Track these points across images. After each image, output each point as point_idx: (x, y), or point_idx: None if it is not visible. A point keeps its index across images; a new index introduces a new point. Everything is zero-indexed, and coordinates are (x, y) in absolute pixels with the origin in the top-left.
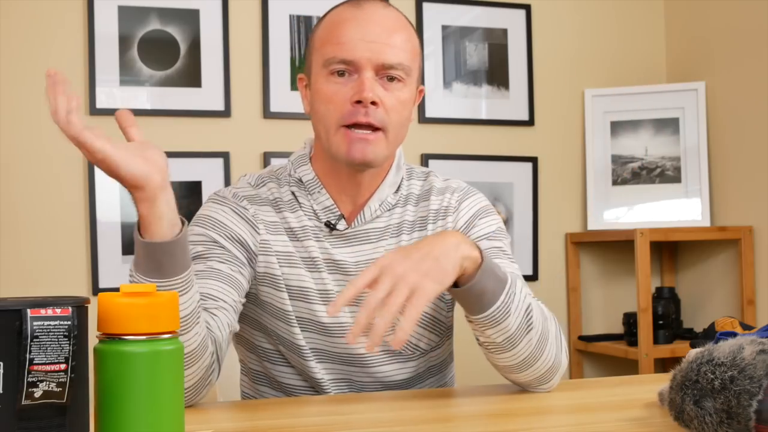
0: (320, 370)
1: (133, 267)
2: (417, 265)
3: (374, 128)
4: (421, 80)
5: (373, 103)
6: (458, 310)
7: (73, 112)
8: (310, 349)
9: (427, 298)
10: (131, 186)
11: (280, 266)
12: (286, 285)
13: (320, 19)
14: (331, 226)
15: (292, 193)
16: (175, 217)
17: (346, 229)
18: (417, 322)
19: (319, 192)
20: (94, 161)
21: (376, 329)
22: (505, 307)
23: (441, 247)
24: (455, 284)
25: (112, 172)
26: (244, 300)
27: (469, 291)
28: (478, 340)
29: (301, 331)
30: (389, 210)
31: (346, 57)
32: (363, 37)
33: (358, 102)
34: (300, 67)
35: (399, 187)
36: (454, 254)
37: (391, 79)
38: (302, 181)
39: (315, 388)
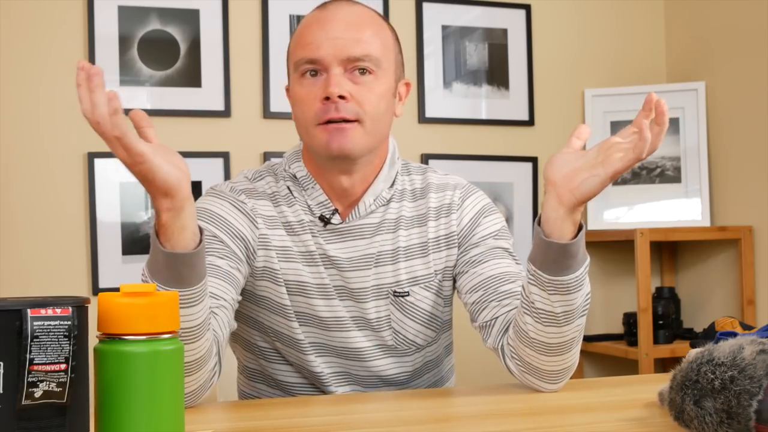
0: (320, 364)
1: (148, 274)
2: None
3: (349, 121)
4: (402, 74)
5: (342, 97)
6: (457, 308)
7: (118, 112)
8: (309, 343)
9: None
10: (162, 193)
11: (279, 261)
12: (284, 280)
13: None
14: (325, 221)
15: (288, 188)
16: (196, 227)
17: (341, 223)
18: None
19: (313, 187)
20: (130, 164)
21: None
22: (581, 280)
23: None
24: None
25: (146, 178)
26: (240, 298)
27: (566, 248)
28: (533, 308)
29: (300, 325)
30: (384, 205)
31: (311, 56)
32: (326, 35)
33: (327, 99)
34: None
35: (394, 182)
36: None
37: (363, 72)
38: (296, 177)
39: (314, 383)
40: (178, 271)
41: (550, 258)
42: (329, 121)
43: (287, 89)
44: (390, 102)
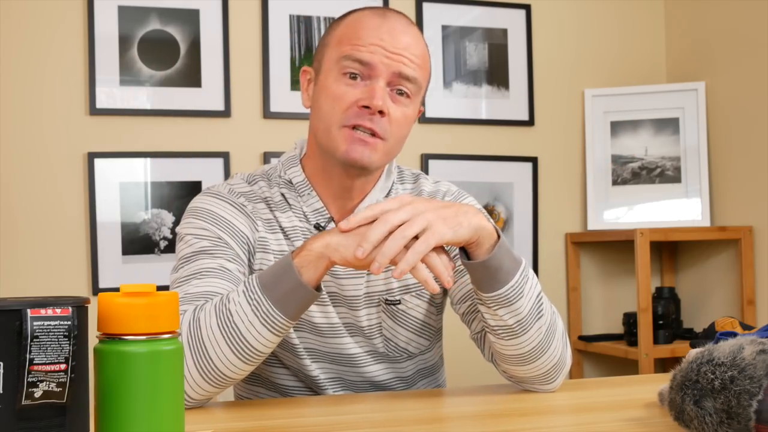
0: (315, 369)
1: (258, 286)
2: (437, 209)
3: (375, 135)
4: (424, 99)
5: (381, 112)
6: (447, 315)
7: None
8: (304, 348)
9: (437, 238)
10: (354, 267)
11: None
12: None
13: (341, 18)
14: (320, 229)
15: (282, 194)
16: None
17: None
18: (417, 264)
19: (308, 194)
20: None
21: (385, 249)
22: (519, 287)
23: (462, 207)
24: (469, 257)
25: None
26: None
27: (485, 265)
28: (488, 326)
29: (295, 330)
30: None
31: (364, 59)
32: (385, 45)
33: (365, 107)
34: (301, 65)
35: (389, 192)
36: (473, 218)
37: (401, 93)
38: (292, 183)
39: (311, 387)
40: (298, 303)
41: (478, 277)
42: (357, 126)
43: (305, 71)
44: (411, 126)
